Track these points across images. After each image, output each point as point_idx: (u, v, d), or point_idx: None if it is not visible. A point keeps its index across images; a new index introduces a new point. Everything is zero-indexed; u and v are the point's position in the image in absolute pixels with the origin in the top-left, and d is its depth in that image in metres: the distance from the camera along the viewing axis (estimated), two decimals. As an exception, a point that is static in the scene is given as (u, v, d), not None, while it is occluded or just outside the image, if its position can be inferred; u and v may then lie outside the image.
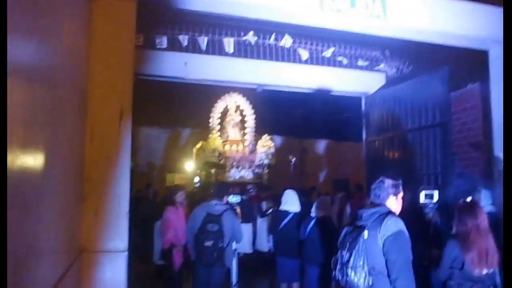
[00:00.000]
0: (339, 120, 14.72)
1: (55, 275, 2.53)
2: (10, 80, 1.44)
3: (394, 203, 3.13)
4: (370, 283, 2.85)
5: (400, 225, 2.90)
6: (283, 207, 6.27)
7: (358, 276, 2.87)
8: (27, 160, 1.72)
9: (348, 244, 3.01)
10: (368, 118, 9.32)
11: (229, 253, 4.99)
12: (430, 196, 3.70)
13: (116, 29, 4.08)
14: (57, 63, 2.42)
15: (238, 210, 5.61)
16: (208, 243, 4.72)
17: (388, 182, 3.13)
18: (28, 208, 1.83)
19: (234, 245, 5.18)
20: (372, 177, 8.94)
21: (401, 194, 3.17)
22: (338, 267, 3.05)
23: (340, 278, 3.02)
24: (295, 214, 6.18)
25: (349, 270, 2.92)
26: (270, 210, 8.10)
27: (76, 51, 3.16)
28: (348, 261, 2.94)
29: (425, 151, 7.33)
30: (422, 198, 4.55)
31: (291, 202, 6.23)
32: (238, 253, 6.13)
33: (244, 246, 7.94)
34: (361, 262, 2.88)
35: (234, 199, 5.46)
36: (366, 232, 2.92)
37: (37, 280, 2.05)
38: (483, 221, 3.34)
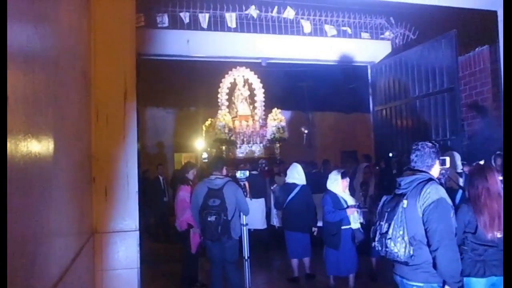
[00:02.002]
0: (345, 91, 14.59)
1: (68, 256, 2.56)
2: (10, 63, 1.42)
3: (436, 170, 3.03)
4: (411, 253, 2.78)
5: (441, 192, 2.79)
6: (290, 180, 6.23)
7: (398, 246, 2.79)
8: (32, 143, 1.72)
9: (386, 214, 2.92)
10: (375, 88, 9.22)
11: (236, 226, 4.96)
12: (443, 162, 3.66)
13: (116, 9, 4.03)
14: (58, 45, 2.39)
15: (247, 185, 5.58)
16: (211, 218, 4.71)
17: (430, 147, 3.02)
18: (37, 191, 1.83)
19: (244, 219, 5.19)
20: (381, 146, 8.95)
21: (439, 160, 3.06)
22: (377, 237, 2.97)
23: (379, 248, 2.95)
24: (303, 186, 6.15)
25: (389, 241, 2.84)
26: (275, 185, 8.04)
27: (77, 33, 3.12)
28: (387, 231, 2.86)
29: (433, 117, 7.25)
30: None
31: (298, 175, 6.20)
32: (250, 229, 6.12)
33: (256, 222, 7.98)
34: (401, 232, 2.79)
35: (241, 174, 5.43)
36: (405, 201, 2.84)
37: (51, 262, 2.07)
38: (494, 184, 3.27)
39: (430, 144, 3.04)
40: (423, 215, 2.77)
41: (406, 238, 2.78)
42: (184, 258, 6.11)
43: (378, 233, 2.96)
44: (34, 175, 1.77)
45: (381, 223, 2.95)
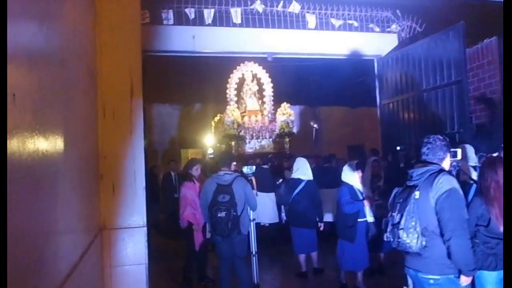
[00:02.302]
0: (352, 85, 14.50)
1: (77, 253, 2.58)
2: (16, 61, 1.42)
3: (447, 162, 3.07)
4: (424, 244, 2.79)
5: (453, 182, 2.82)
6: (295, 175, 6.17)
7: (410, 237, 2.80)
8: (39, 140, 1.72)
9: (398, 205, 2.94)
10: (382, 81, 9.16)
11: (245, 221, 4.96)
12: (454, 154, 3.61)
13: (122, 6, 4.03)
14: (64, 42, 2.39)
15: (253, 180, 5.57)
16: (221, 214, 4.71)
17: (441, 140, 3.06)
18: (45, 188, 1.84)
19: (252, 214, 5.19)
20: (388, 140, 8.90)
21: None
22: (389, 228, 2.97)
23: (391, 239, 2.96)
24: (308, 181, 6.09)
25: (401, 231, 2.84)
26: (281, 180, 8.01)
27: (82, 30, 3.12)
28: (399, 222, 2.87)
29: (441, 110, 7.19)
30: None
31: (303, 170, 6.14)
32: (259, 223, 6.11)
33: (267, 216, 7.97)
34: (413, 223, 2.80)
35: (247, 169, 5.42)
36: (417, 192, 2.86)
37: (60, 258, 2.09)
38: (503, 176, 3.25)
39: (441, 137, 3.07)
40: (435, 205, 2.79)
41: (418, 229, 2.79)
42: (187, 256, 6.06)
43: (390, 224, 2.97)
44: (42, 172, 1.78)
45: (393, 214, 2.96)
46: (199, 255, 5.95)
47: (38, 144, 1.69)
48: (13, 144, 1.37)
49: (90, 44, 3.52)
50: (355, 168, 5.40)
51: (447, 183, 2.80)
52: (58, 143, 2.08)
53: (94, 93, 3.61)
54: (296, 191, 6.07)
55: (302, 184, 6.06)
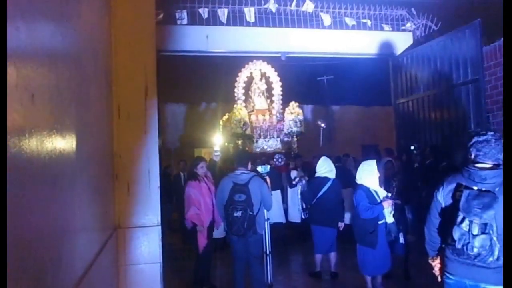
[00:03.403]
0: (366, 84, 14.42)
1: (92, 251, 2.60)
2: (35, 62, 1.44)
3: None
4: (498, 252, 2.57)
5: None
6: (322, 174, 6.11)
7: (484, 244, 2.58)
8: (57, 139, 1.74)
9: (472, 210, 2.64)
10: (396, 80, 9.08)
11: (261, 220, 4.98)
12: None
13: (136, 6, 4.05)
14: (80, 42, 2.41)
15: (268, 180, 5.57)
16: (237, 214, 4.73)
17: (498, 138, 2.76)
18: (62, 187, 1.85)
19: (266, 213, 5.18)
20: (402, 140, 8.81)
21: None
22: (458, 235, 2.68)
23: (465, 249, 2.67)
24: (334, 180, 6.07)
25: (475, 239, 2.60)
26: (297, 179, 7.96)
27: (98, 30, 3.15)
28: (472, 229, 2.62)
29: (457, 109, 7.10)
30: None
31: (329, 169, 6.11)
32: (270, 223, 6.08)
33: (275, 215, 7.95)
34: (489, 230, 2.57)
35: (262, 169, 5.42)
36: (493, 197, 2.61)
37: (76, 256, 2.11)
38: None
39: (498, 135, 2.79)
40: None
41: (494, 236, 2.58)
42: (195, 258, 5.87)
43: (461, 230, 2.68)
44: (59, 171, 1.80)
45: (465, 220, 2.66)
46: (202, 259, 5.73)
47: (55, 143, 1.70)
48: (32, 144, 1.38)
49: (105, 44, 3.55)
50: (375, 167, 5.10)
51: None
52: (74, 142, 2.10)
53: (109, 93, 3.64)
54: (324, 189, 6.00)
55: (329, 183, 6.02)
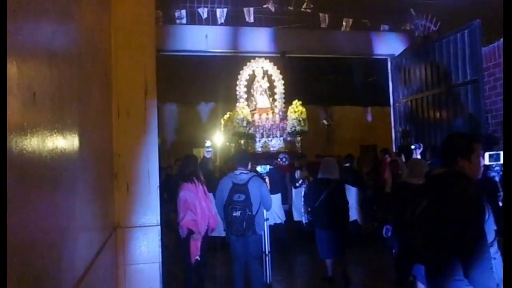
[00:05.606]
0: (364, 84, 14.44)
1: (92, 251, 2.59)
2: (36, 60, 1.44)
3: None
4: None
5: None
6: (325, 175, 5.84)
7: None
8: (58, 139, 1.73)
9: None
10: (395, 81, 9.10)
11: (260, 220, 4.98)
12: (496, 157, 3.19)
13: (136, 6, 4.05)
14: (81, 41, 2.41)
15: (267, 180, 5.56)
16: (236, 214, 4.74)
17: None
18: (63, 186, 1.85)
19: (265, 214, 5.18)
20: (401, 140, 8.80)
21: None
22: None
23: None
24: (337, 181, 5.85)
25: None
26: (301, 181, 7.93)
27: (98, 29, 3.14)
28: None
29: (456, 110, 7.11)
30: (486, 160, 3.83)
31: (333, 170, 5.86)
32: (269, 225, 6.04)
33: (273, 216, 7.91)
34: None
35: (262, 169, 5.41)
36: None
37: (75, 257, 2.10)
38: None
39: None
40: None
41: None
42: (185, 271, 5.42)
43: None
44: (60, 170, 1.79)
45: None
46: (193, 272, 5.29)
47: (56, 142, 1.70)
48: (33, 143, 1.38)
49: (105, 43, 3.54)
50: None
51: None
52: (75, 142, 2.09)
53: (109, 92, 3.64)
54: (326, 191, 5.72)
55: (332, 184, 5.77)
